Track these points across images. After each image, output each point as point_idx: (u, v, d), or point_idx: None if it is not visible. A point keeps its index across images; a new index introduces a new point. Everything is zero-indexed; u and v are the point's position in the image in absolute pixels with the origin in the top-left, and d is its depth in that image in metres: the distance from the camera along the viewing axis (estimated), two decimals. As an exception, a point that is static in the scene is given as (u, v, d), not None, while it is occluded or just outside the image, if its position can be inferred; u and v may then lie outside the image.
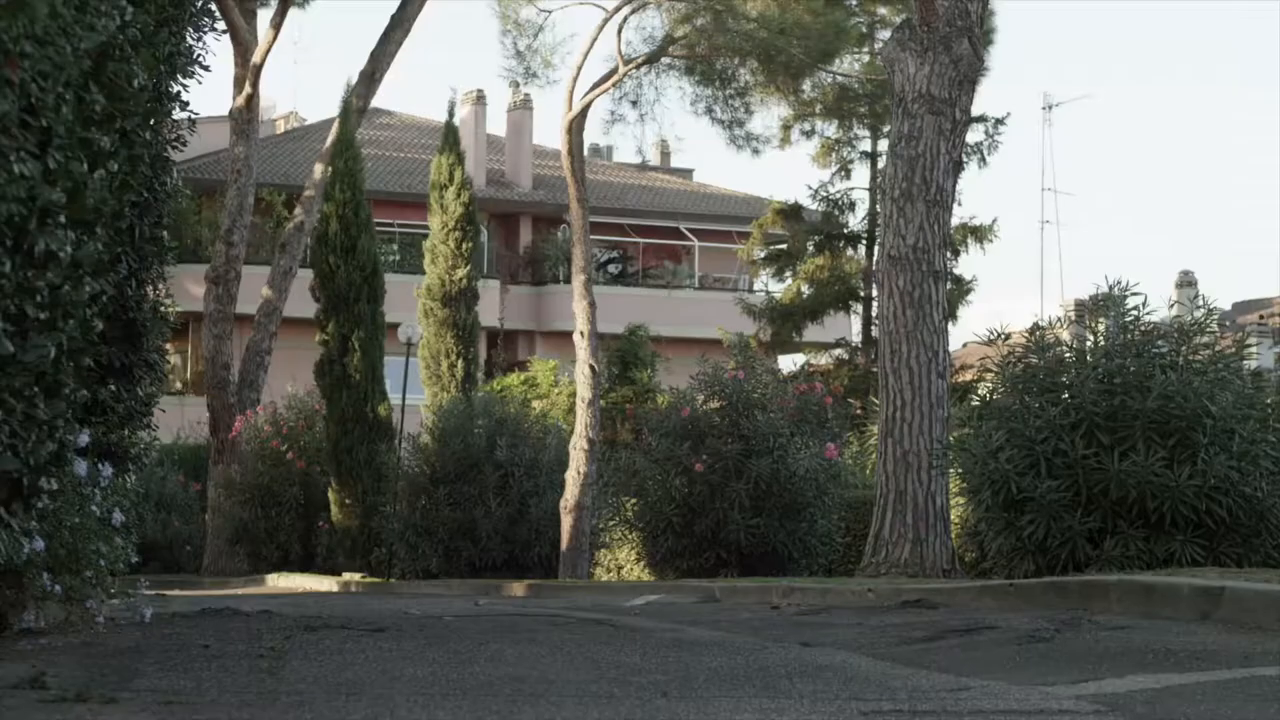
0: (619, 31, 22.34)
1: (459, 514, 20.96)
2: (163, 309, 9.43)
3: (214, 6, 10.41)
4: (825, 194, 33.40)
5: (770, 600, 12.18)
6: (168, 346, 10.58)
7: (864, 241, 33.69)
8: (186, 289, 33.33)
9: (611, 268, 46.38)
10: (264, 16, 28.60)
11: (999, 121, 32.11)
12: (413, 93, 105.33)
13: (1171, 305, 13.42)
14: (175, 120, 9.37)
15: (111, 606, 8.42)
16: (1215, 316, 12.69)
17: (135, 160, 7.33)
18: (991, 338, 13.08)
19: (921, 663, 6.69)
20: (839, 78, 29.26)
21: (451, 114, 26.70)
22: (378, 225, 26.03)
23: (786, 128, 32.30)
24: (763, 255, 35.40)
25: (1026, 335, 12.79)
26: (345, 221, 23.88)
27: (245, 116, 27.53)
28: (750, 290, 39.61)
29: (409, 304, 27.03)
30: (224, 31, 25.94)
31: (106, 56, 6.23)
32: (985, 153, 32.00)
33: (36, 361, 5.63)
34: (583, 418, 21.18)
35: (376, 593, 19.03)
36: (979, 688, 5.69)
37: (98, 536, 7.79)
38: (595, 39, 22.18)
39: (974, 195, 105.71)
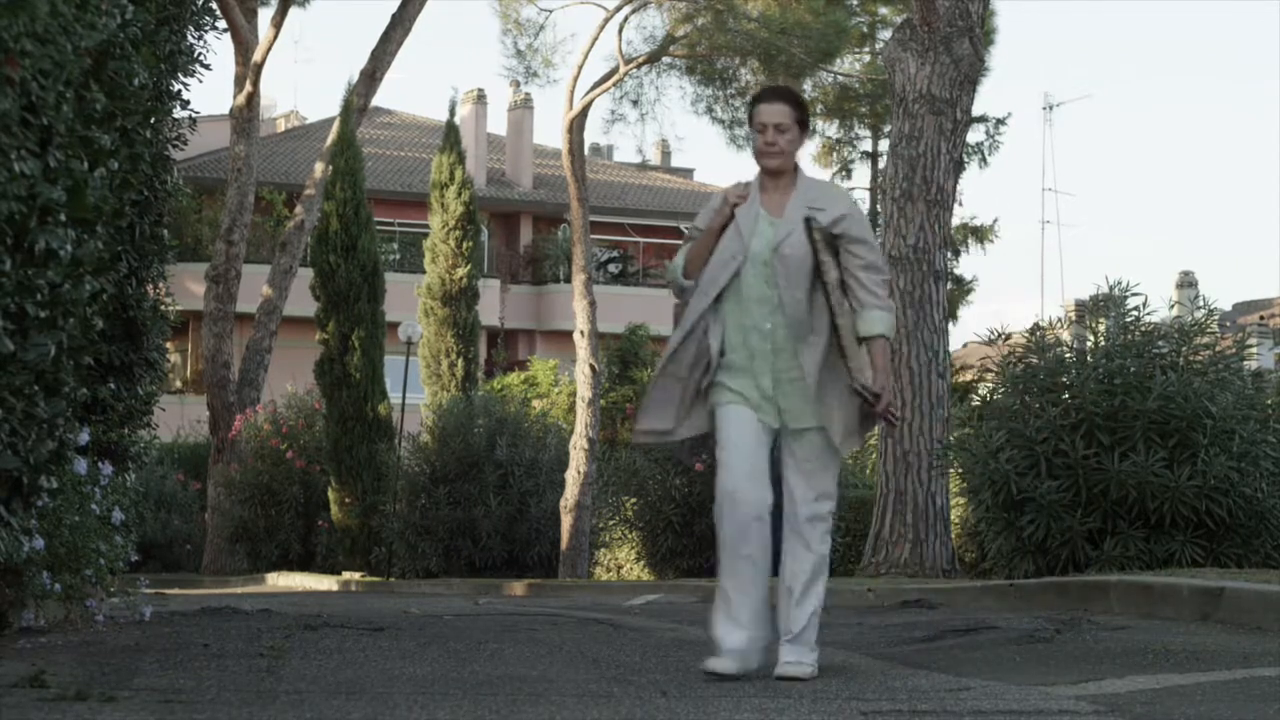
0: (619, 31, 22.38)
1: (459, 513, 20.95)
2: (163, 307, 9.42)
3: (214, 5, 10.41)
4: (825, 194, 33.38)
5: (770, 600, 12.16)
6: (168, 345, 10.57)
7: (864, 241, 33.68)
8: (186, 288, 33.33)
9: (612, 267, 46.33)
10: (264, 15, 28.57)
11: (999, 121, 32.18)
12: (413, 92, 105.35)
13: (1172, 306, 13.41)
14: (176, 119, 9.37)
15: (111, 605, 8.42)
16: (1215, 317, 12.68)
17: (136, 159, 7.32)
18: (992, 338, 13.07)
19: (921, 663, 6.68)
20: (839, 78, 29.26)
21: (452, 113, 26.67)
22: (378, 224, 26.00)
23: (787, 128, 32.30)
24: (763, 255, 35.37)
25: (1027, 335, 12.77)
26: (345, 220, 23.86)
27: (246, 115, 27.49)
28: (750, 290, 39.57)
29: (409, 303, 27.01)
30: (224, 30, 25.90)
31: (107, 55, 6.22)
32: (986, 153, 32.07)
33: (37, 360, 5.62)
34: (583, 417, 21.17)
35: (376, 592, 19.02)
36: (979, 688, 5.69)
37: (97, 535, 7.79)
38: (596, 38, 22.20)
39: (974, 195, 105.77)
